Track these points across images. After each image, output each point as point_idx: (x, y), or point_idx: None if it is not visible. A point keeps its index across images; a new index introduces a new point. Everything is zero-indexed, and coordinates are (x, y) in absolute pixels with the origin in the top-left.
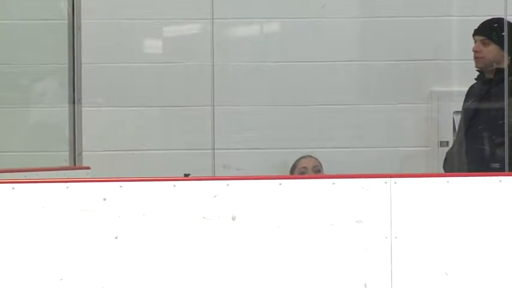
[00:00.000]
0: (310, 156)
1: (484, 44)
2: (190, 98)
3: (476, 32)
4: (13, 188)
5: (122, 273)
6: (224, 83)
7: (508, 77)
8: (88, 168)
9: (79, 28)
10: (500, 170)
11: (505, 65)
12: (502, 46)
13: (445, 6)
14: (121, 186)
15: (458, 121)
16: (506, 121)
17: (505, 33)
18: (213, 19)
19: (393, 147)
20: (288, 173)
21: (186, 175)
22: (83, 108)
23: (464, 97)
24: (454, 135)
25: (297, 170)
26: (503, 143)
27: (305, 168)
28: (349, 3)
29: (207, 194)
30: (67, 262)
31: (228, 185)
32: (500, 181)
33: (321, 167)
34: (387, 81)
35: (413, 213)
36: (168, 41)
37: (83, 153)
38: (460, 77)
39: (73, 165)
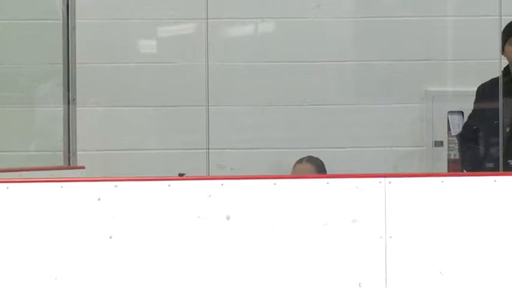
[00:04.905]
0: (308, 162)
1: None
2: (185, 98)
3: None
4: (7, 188)
5: (117, 272)
6: (218, 83)
7: (504, 77)
8: (83, 167)
9: (73, 28)
10: (494, 170)
11: (499, 65)
12: None
13: (440, 6)
14: (116, 186)
15: (452, 121)
16: (500, 121)
17: (499, 33)
18: (207, 19)
19: (388, 147)
20: (282, 173)
21: (180, 175)
22: (77, 108)
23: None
24: (448, 135)
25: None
26: None
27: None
28: (344, 3)
29: (201, 193)
30: (62, 261)
31: (222, 184)
32: (495, 181)
33: (320, 169)
34: (382, 81)
35: (407, 213)
36: (163, 40)
37: (78, 152)
38: (455, 77)
39: (68, 165)
